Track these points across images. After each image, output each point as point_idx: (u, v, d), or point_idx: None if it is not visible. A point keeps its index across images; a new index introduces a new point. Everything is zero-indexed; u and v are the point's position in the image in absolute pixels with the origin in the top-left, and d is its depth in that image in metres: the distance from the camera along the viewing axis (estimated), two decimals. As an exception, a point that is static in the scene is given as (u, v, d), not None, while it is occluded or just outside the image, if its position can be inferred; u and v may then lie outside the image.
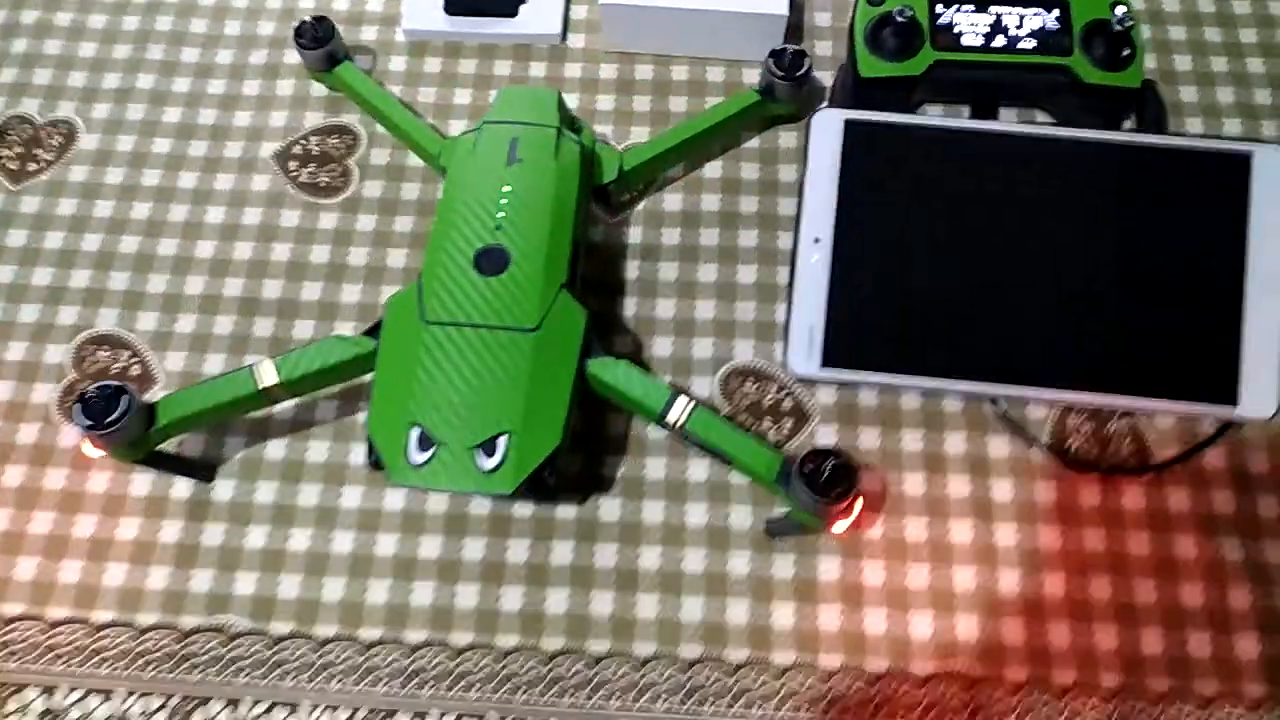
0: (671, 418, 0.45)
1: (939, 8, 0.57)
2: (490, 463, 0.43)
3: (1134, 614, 0.49)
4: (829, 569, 0.50)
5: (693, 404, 0.45)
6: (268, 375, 0.46)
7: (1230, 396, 0.50)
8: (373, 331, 0.47)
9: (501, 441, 0.43)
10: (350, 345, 0.47)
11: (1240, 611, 0.49)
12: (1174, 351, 0.50)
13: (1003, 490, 0.51)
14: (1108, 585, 0.49)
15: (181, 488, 0.52)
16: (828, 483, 0.42)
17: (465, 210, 0.48)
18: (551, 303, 0.46)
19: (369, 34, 0.64)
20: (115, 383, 0.44)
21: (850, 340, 0.51)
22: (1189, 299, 0.51)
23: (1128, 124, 0.58)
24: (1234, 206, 0.51)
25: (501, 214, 0.48)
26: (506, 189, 0.49)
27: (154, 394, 0.54)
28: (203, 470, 0.52)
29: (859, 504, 0.44)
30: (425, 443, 0.43)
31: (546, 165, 0.49)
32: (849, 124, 0.53)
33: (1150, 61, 0.61)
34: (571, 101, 0.61)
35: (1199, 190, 0.51)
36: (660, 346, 0.55)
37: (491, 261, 0.47)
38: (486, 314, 0.45)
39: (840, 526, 0.44)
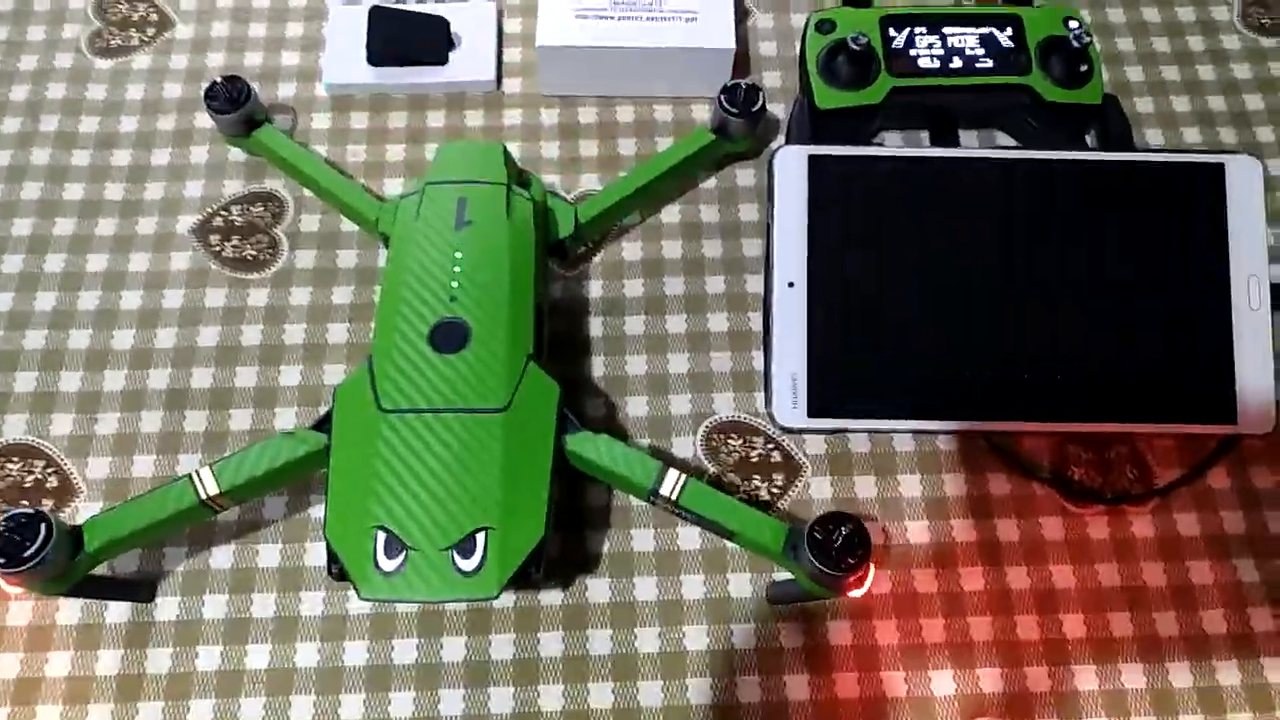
0: (664, 492, 0.42)
1: (891, 31, 0.55)
2: (469, 564, 0.39)
3: (1159, 648, 0.46)
4: (839, 633, 0.46)
5: (685, 477, 0.42)
6: (208, 484, 0.41)
7: (1229, 414, 0.48)
8: (322, 424, 0.43)
9: (480, 539, 0.39)
10: (298, 443, 0.42)
11: (1266, 634, 0.47)
12: (1167, 372, 0.49)
13: (1008, 530, 0.49)
14: (1128, 621, 0.47)
15: (117, 611, 0.46)
16: (840, 552, 0.39)
17: (415, 282, 0.44)
18: (519, 378, 0.42)
19: (287, 91, 0.59)
20: (30, 509, 0.39)
21: (836, 387, 0.48)
22: (1177, 317, 0.49)
23: (1089, 139, 0.57)
24: (1212, 219, 0.50)
25: (456, 284, 0.44)
26: (458, 255, 0.44)
27: (76, 507, 0.48)
28: (140, 589, 0.46)
29: (872, 570, 0.41)
30: (394, 548, 0.39)
31: (499, 226, 0.45)
32: (813, 160, 0.50)
33: (1103, 74, 0.60)
34: (513, 150, 0.57)
35: (1176, 206, 0.50)
36: (635, 406, 0.51)
37: (449, 337, 0.42)
38: (449, 396, 0.41)
39: (855, 593, 0.41)
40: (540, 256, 0.47)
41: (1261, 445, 0.51)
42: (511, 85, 0.59)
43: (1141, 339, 0.49)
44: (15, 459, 0.49)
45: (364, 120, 0.58)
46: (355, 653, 0.45)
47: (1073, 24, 0.54)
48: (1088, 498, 0.49)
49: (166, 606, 0.46)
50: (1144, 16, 0.62)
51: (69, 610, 0.46)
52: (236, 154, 0.57)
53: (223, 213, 0.55)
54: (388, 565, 0.38)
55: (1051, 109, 0.54)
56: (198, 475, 0.41)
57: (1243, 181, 0.50)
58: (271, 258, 0.54)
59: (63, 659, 0.45)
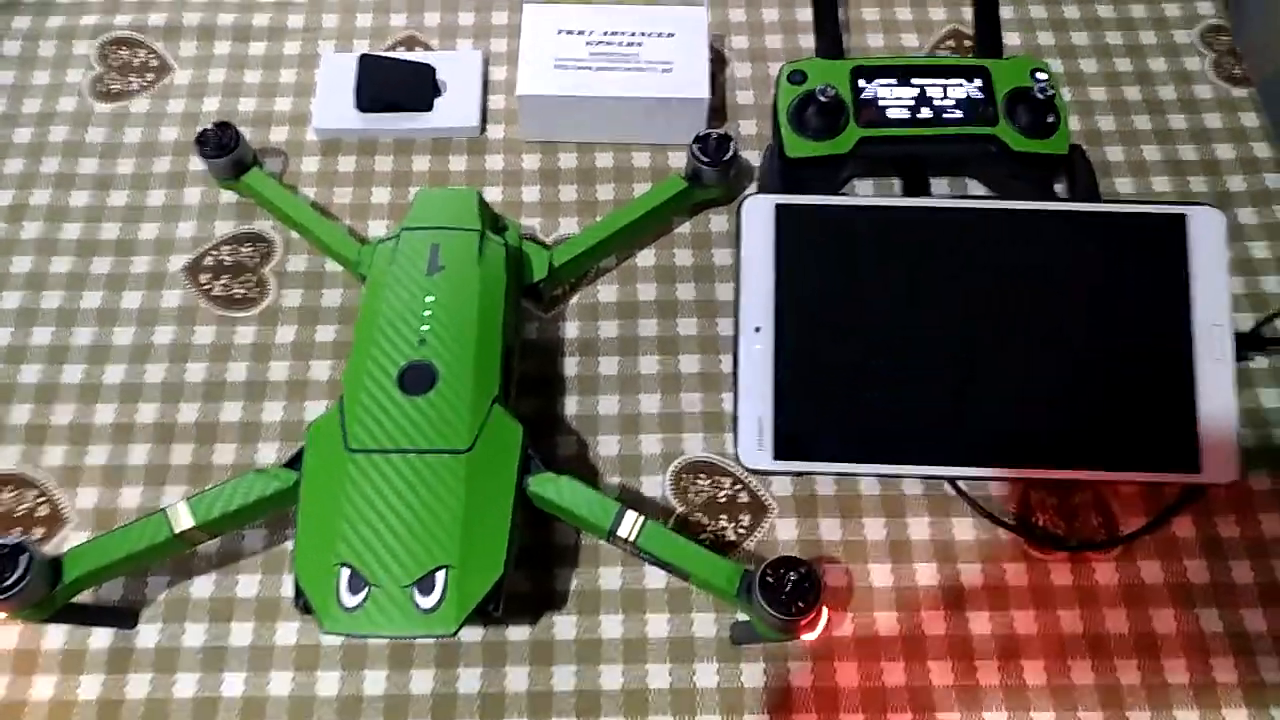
0: (622, 533, 0.43)
1: (861, 82, 0.56)
2: (429, 601, 0.40)
3: (1119, 697, 0.47)
4: (800, 674, 0.47)
5: (643, 519, 0.43)
6: (183, 519, 0.43)
7: (1192, 463, 0.49)
8: (295, 461, 0.44)
9: (440, 577, 0.40)
10: (270, 480, 0.43)
11: (1227, 685, 0.47)
12: (1131, 421, 0.49)
13: (972, 575, 0.49)
14: (1089, 670, 0.47)
15: (101, 637, 0.47)
16: (790, 596, 0.40)
17: (386, 325, 0.45)
18: (484, 420, 0.43)
19: (279, 135, 0.61)
20: (11, 540, 0.40)
21: (802, 431, 0.49)
22: (1141, 367, 0.50)
23: (1059, 187, 0.58)
24: (1175, 270, 0.51)
25: (425, 327, 0.45)
26: (429, 299, 0.46)
27: (65, 535, 0.50)
28: (124, 616, 0.48)
29: (824, 614, 0.42)
30: (357, 584, 0.40)
31: (470, 271, 0.47)
32: (780, 209, 0.51)
33: (1075, 123, 0.61)
34: (494, 194, 0.59)
35: (1139, 256, 0.51)
36: (606, 446, 0.52)
37: (417, 379, 0.44)
38: (415, 438, 0.42)
39: (807, 637, 0.42)
40: (512, 300, 0.49)
41: (1225, 495, 0.51)
42: (495, 131, 0.61)
43: (1106, 388, 0.50)
44: (9, 488, 0.51)
45: (352, 164, 0.60)
46: (328, 683, 0.47)
47: (1039, 75, 0.56)
48: (1052, 544, 0.50)
49: (148, 633, 0.48)
50: (1116, 66, 0.64)
51: (54, 635, 0.47)
52: (229, 196, 0.59)
53: (213, 252, 0.57)
54: (350, 601, 0.40)
55: (1019, 159, 0.55)
56: (173, 510, 0.43)
57: (1205, 232, 0.51)
58: (259, 296, 0.56)
59: (47, 683, 0.46)
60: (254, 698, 0.46)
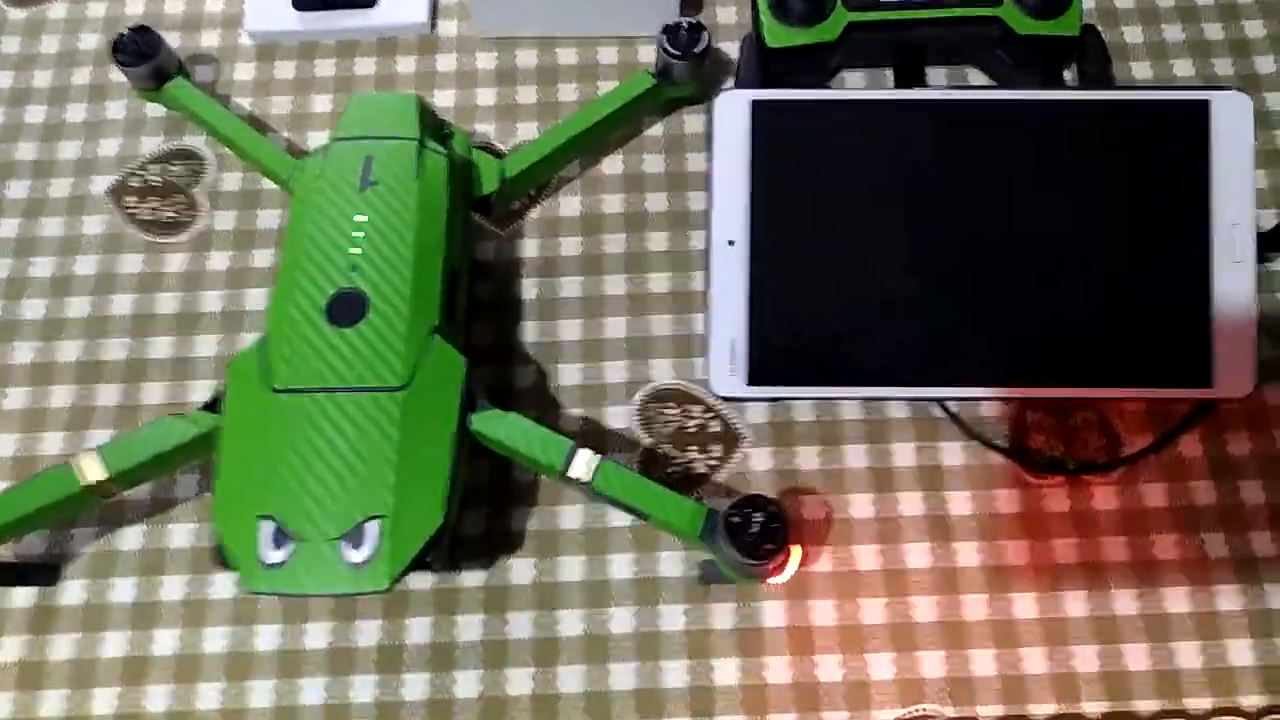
0: (574, 474, 0.39)
1: (849, -41, 0.50)
2: (359, 555, 0.36)
3: (1115, 629, 0.43)
4: (773, 614, 0.44)
5: (597, 459, 0.39)
6: (92, 470, 0.39)
7: (1204, 377, 0.45)
8: (214, 404, 0.40)
9: (371, 529, 0.37)
10: (187, 425, 0.40)
11: (1231, 614, 0.44)
12: (1139, 333, 0.45)
13: (960, 504, 0.46)
14: (1084, 601, 0.44)
15: (22, 596, 0.44)
16: (756, 539, 0.36)
17: (313, 249, 0.41)
18: (421, 353, 0.39)
19: (210, 39, 0.56)
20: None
21: (778, 353, 0.45)
22: (1151, 272, 0.45)
23: (1069, 73, 0.52)
24: (1194, 163, 0.45)
25: (356, 250, 0.41)
26: (361, 219, 0.41)
27: (-16, 485, 0.46)
28: (42, 573, 0.44)
29: (795, 556, 0.38)
30: (281, 538, 0.37)
31: (407, 187, 0.42)
32: (756, 105, 0.46)
33: (1089, 2, 0.55)
34: (446, 99, 0.54)
35: (1154, 148, 0.45)
36: (568, 375, 0.48)
37: (347, 309, 0.40)
38: (344, 375, 0.38)
39: (775, 580, 0.38)
40: (458, 218, 0.44)
41: (1239, 410, 0.47)
42: (447, 27, 0.56)
43: (1111, 296, 0.45)
44: (-75, 435, 0.47)
45: (290, 69, 0.55)
46: (267, 637, 0.44)
47: (1049, -52, 0.49)
48: (1048, 468, 0.46)
49: (72, 590, 0.45)
50: (1138, -64, 0.57)
51: (-27, 595, 0.45)
52: (155, 109, 0.54)
53: (139, 172, 0.52)
54: (273, 557, 0.36)
55: (1025, 42, 0.50)
56: (81, 460, 0.39)
57: (1230, 120, 0.46)
58: (190, 219, 0.51)
59: (-35, 646, 0.44)
60: (188, 655, 0.43)
